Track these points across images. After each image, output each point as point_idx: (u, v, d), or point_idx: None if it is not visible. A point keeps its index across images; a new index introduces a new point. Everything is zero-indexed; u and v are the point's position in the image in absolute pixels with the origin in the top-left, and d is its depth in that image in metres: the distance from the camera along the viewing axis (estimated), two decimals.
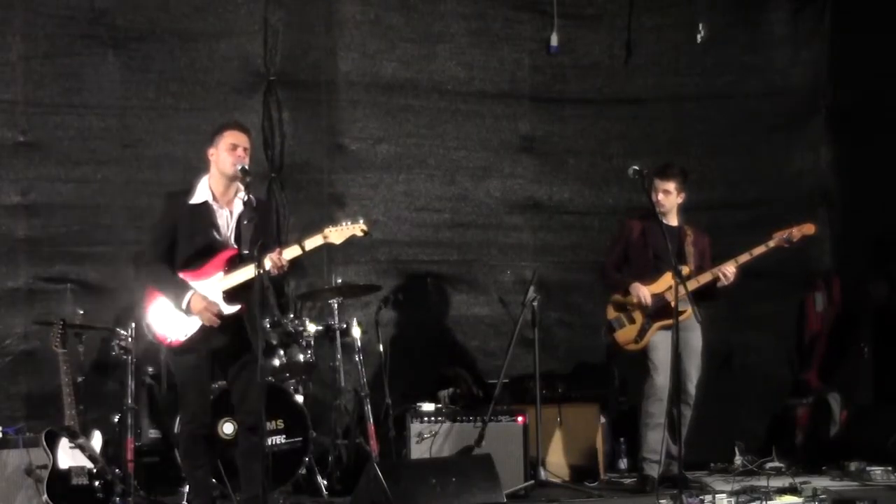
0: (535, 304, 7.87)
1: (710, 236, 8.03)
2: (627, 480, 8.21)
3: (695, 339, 7.78)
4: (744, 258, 7.72)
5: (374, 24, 9.16)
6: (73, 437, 7.09)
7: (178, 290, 6.32)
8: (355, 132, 9.11)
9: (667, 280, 7.66)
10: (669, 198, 7.87)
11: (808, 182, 9.70)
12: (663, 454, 7.59)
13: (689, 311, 7.49)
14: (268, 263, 6.20)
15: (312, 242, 6.39)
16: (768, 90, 9.68)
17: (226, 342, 6.35)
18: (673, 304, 7.26)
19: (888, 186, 9.15)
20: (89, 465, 7.08)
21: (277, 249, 6.28)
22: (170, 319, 6.37)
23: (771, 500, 7.04)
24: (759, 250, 7.74)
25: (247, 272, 6.25)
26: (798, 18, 9.78)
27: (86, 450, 7.11)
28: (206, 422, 6.48)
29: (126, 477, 7.25)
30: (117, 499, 7.12)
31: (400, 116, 9.22)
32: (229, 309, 6.32)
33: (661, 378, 7.73)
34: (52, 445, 7.02)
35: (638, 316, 7.84)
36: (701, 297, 7.62)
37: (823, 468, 8.35)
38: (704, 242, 8.00)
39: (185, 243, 6.39)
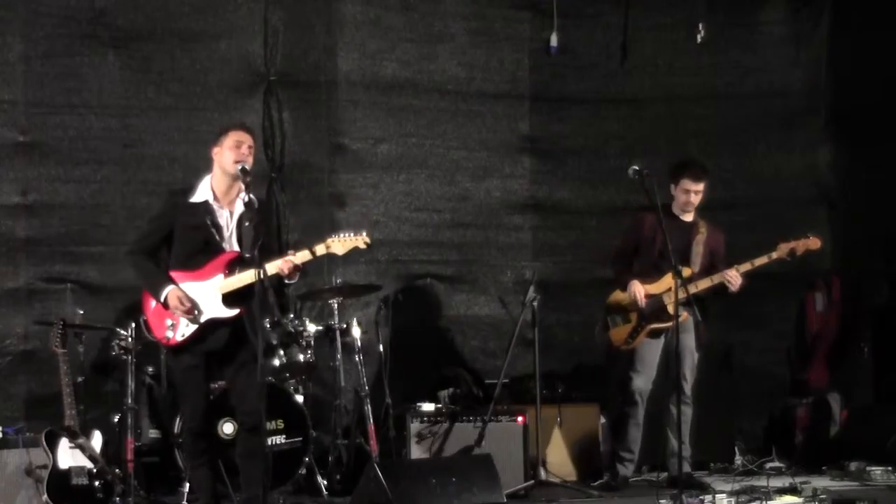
0: (535, 304, 7.87)
1: (724, 232, 7.94)
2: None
3: (689, 339, 7.77)
4: (745, 267, 7.64)
5: (374, 24, 9.17)
6: (73, 437, 7.09)
7: (158, 282, 6.35)
8: (355, 132, 9.11)
9: (668, 281, 7.61)
10: (699, 198, 7.80)
11: (807, 182, 9.69)
12: (682, 452, 7.58)
13: (685, 315, 7.58)
14: (273, 270, 6.24)
15: (314, 252, 6.39)
16: (767, 90, 9.67)
17: (223, 343, 6.36)
18: (671, 307, 7.36)
19: (888, 187, 9.16)
20: (89, 465, 7.08)
21: (286, 258, 6.29)
22: (168, 319, 6.38)
23: (771, 500, 7.04)
24: (761, 261, 7.67)
25: (248, 276, 6.23)
26: (797, 19, 9.77)
27: (86, 450, 7.11)
28: (204, 421, 6.51)
29: (126, 477, 7.24)
30: (117, 499, 7.12)
31: (400, 116, 9.23)
32: (228, 312, 6.32)
33: (641, 381, 7.79)
34: (52, 445, 7.02)
35: (633, 316, 7.81)
36: (715, 294, 7.66)
37: (823, 468, 8.34)
38: (719, 240, 7.89)
39: (182, 241, 6.41)
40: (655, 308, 7.73)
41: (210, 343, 6.36)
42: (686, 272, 7.60)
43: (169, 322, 6.36)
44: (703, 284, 7.67)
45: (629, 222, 8.11)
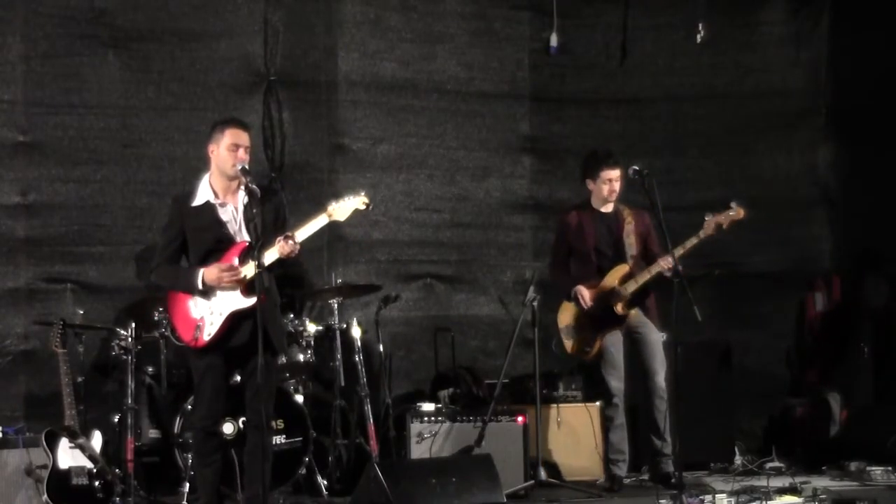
0: (535, 304, 7.86)
1: (648, 213, 7.78)
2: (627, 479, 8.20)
3: (652, 333, 7.77)
4: (678, 251, 7.44)
5: (374, 24, 9.17)
6: (73, 437, 7.10)
7: (188, 276, 6.38)
8: (355, 132, 9.11)
9: (612, 279, 7.71)
10: (618, 185, 7.74)
11: (807, 182, 9.70)
12: (670, 449, 7.58)
13: (634, 312, 7.66)
14: (275, 255, 6.23)
15: (317, 223, 6.40)
16: (767, 90, 9.68)
17: (248, 337, 6.32)
18: (619, 307, 7.55)
19: (888, 187, 9.16)
20: (89, 465, 7.09)
21: (283, 236, 6.26)
22: (193, 321, 6.39)
23: (771, 500, 7.04)
24: (691, 242, 7.53)
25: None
26: (797, 18, 9.78)
27: (86, 450, 7.11)
28: (218, 420, 6.57)
29: (126, 477, 7.25)
30: (117, 499, 7.13)
31: (400, 116, 9.23)
32: (248, 302, 6.29)
33: (615, 382, 7.77)
34: (52, 445, 7.02)
35: (584, 322, 7.81)
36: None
37: (823, 468, 8.34)
38: (646, 224, 7.83)
39: (195, 246, 6.45)
40: (603, 309, 7.71)
41: (236, 338, 6.36)
42: (623, 269, 7.69)
43: (196, 323, 6.37)
44: (643, 278, 7.62)
45: (557, 227, 8.09)
